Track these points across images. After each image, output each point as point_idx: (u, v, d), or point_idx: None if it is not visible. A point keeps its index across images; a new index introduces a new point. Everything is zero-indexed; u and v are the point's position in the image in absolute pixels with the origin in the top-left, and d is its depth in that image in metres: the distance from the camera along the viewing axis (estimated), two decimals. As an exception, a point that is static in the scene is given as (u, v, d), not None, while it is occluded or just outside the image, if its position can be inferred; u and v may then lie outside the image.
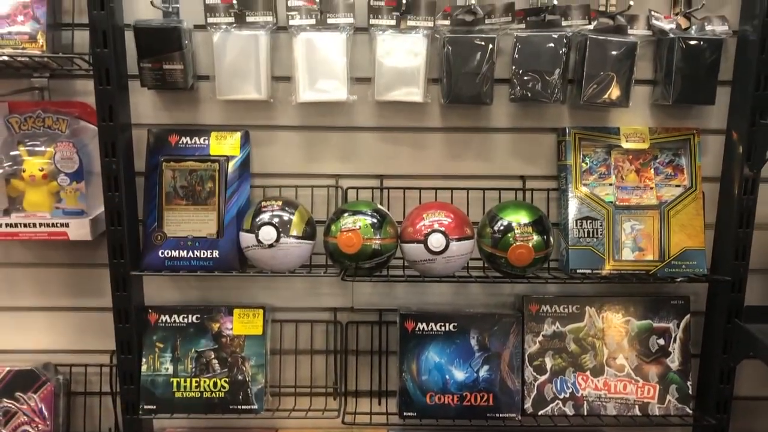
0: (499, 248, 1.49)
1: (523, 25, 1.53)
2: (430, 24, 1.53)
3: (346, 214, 1.52)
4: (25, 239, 1.56)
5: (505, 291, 1.72)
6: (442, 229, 1.48)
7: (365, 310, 1.73)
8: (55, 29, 1.53)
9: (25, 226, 1.55)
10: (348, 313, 1.74)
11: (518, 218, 1.50)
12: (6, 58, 1.46)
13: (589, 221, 1.59)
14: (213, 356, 1.62)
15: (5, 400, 1.64)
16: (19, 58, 1.47)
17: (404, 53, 1.54)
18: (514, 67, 1.53)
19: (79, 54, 1.52)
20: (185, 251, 1.56)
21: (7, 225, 1.54)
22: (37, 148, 1.57)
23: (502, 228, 1.49)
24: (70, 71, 1.59)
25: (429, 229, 1.48)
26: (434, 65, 1.58)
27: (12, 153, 1.57)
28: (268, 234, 1.49)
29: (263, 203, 1.54)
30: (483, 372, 1.62)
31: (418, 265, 1.52)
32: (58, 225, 1.56)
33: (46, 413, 1.65)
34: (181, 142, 1.61)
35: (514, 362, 1.63)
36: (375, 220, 1.50)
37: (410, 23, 1.53)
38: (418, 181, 1.66)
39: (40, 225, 1.55)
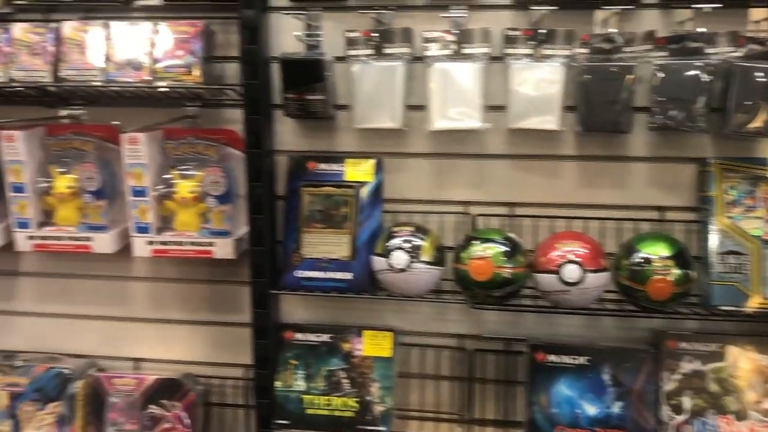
0: (637, 281, 1.44)
1: (664, 53, 1.49)
2: (567, 52, 1.52)
3: (476, 242, 1.52)
4: (174, 256, 1.69)
5: (639, 325, 1.66)
6: (577, 259, 1.45)
7: (492, 338, 1.72)
8: (208, 62, 1.64)
9: (175, 244, 1.67)
10: (475, 341, 1.73)
11: (658, 250, 1.45)
12: (166, 89, 1.59)
13: (734, 255, 1.52)
14: (343, 375, 1.67)
15: (152, 406, 1.76)
16: (177, 89, 1.59)
17: (540, 81, 1.53)
18: (654, 96, 1.49)
19: (230, 85, 1.63)
20: (320, 272, 1.62)
21: (160, 243, 1.67)
22: (188, 172, 1.69)
23: (640, 260, 1.45)
24: (220, 101, 1.70)
25: (563, 260, 1.46)
26: (570, 93, 1.56)
27: (165, 176, 1.69)
28: (399, 258, 1.52)
29: (395, 228, 1.58)
30: (616, 408, 1.57)
31: (550, 295, 1.50)
32: (205, 244, 1.66)
33: (187, 421, 1.75)
34: (318, 168, 1.68)
35: (649, 400, 1.56)
36: (506, 249, 1.50)
37: (547, 52, 1.53)
38: (550, 209, 1.64)
39: (189, 243, 1.67)
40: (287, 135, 1.71)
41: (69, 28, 1.64)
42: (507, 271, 1.48)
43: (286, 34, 1.64)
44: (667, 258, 1.44)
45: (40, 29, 1.65)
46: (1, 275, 1.90)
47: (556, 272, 1.46)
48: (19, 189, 1.69)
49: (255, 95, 1.56)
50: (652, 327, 1.65)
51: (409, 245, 1.53)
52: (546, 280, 1.48)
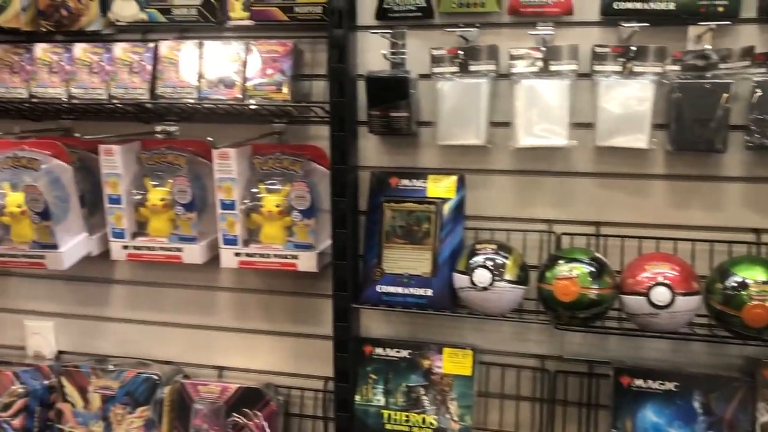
0: (732, 306, 1.39)
1: (763, 70, 1.44)
2: (659, 69, 1.48)
3: (561, 261, 1.50)
4: (259, 268, 1.73)
5: (732, 352, 1.59)
6: (667, 282, 1.41)
7: (575, 360, 1.68)
8: (297, 80, 1.69)
9: (261, 256, 1.72)
10: (556, 362, 1.70)
11: (755, 275, 1.39)
12: (256, 106, 1.64)
13: (839, 282, 1.44)
14: (423, 392, 1.67)
15: (235, 414, 1.81)
16: (266, 107, 1.64)
17: (629, 99, 1.50)
18: (752, 114, 1.43)
19: (317, 102, 1.67)
20: (401, 288, 1.63)
21: (246, 255, 1.72)
22: (274, 187, 1.73)
23: (735, 285, 1.39)
24: (306, 118, 1.74)
25: (652, 282, 1.42)
26: (660, 111, 1.52)
27: (253, 190, 1.74)
28: (482, 276, 1.51)
29: (478, 246, 1.57)
30: (707, 438, 1.51)
31: (638, 318, 1.46)
32: (289, 257, 1.70)
33: (268, 431, 1.79)
34: (401, 184, 1.69)
35: (743, 431, 1.49)
36: (592, 269, 1.47)
37: (637, 69, 1.49)
38: (638, 229, 1.60)
39: (274, 256, 1.71)
40: (370, 151, 1.74)
41: (165, 47, 1.72)
42: (593, 292, 1.45)
43: (372, 52, 1.67)
44: (765, 283, 1.37)
45: (138, 49, 1.73)
46: (96, 282, 2.00)
47: (645, 294, 1.42)
48: (115, 200, 1.77)
49: (341, 112, 1.59)
50: (746, 354, 1.58)
51: (492, 263, 1.52)
52: (634, 302, 1.44)
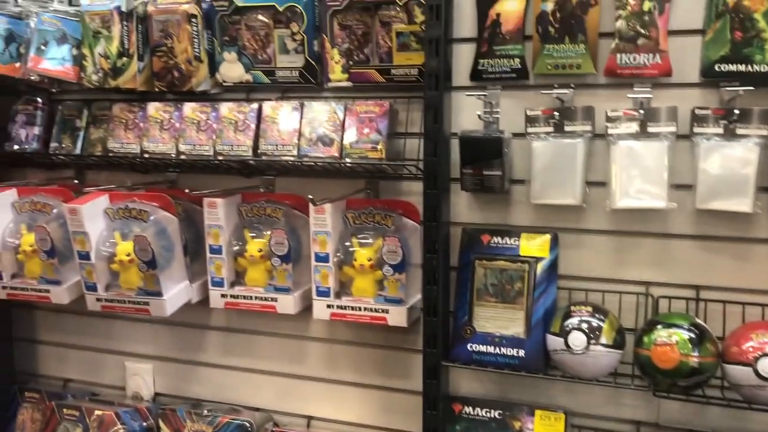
0: None
1: None
2: (764, 132, 1.45)
3: (660, 326, 1.46)
4: (350, 320, 1.76)
5: None
6: (777, 353, 1.35)
7: (672, 429, 1.62)
8: (391, 138, 1.74)
9: (352, 309, 1.75)
10: (652, 429, 1.64)
11: None
12: (353, 164, 1.70)
13: None
14: (513, 455, 1.64)
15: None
16: (363, 165, 1.70)
17: (732, 161, 1.46)
18: None
19: (412, 160, 1.71)
20: (492, 347, 1.62)
21: (338, 307, 1.76)
22: (366, 241, 1.77)
23: None
24: (399, 174, 1.78)
25: (759, 352, 1.36)
26: (765, 174, 1.48)
27: (346, 243, 1.79)
28: (578, 340, 1.49)
29: (573, 308, 1.55)
30: None
31: (743, 389, 1.40)
32: (380, 311, 1.73)
33: (355, 484, 1.80)
34: (492, 241, 1.70)
35: None
36: (693, 335, 1.42)
37: (740, 131, 1.46)
38: (741, 295, 1.54)
39: (364, 309, 1.74)
40: (461, 207, 1.76)
41: (268, 107, 1.81)
42: (694, 359, 1.40)
43: (466, 112, 1.71)
44: None
45: (243, 108, 1.83)
46: (193, 327, 2.08)
47: (751, 365, 1.36)
48: (216, 251, 1.85)
49: (434, 170, 1.62)
50: None
51: (588, 326, 1.50)
52: (739, 372, 1.38)
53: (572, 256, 1.67)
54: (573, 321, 1.52)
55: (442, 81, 1.60)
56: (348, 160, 1.71)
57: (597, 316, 1.52)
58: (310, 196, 1.69)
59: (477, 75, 1.69)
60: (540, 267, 1.65)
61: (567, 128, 1.59)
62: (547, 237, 1.66)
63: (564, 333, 1.51)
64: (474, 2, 1.68)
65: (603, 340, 1.49)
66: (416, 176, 1.72)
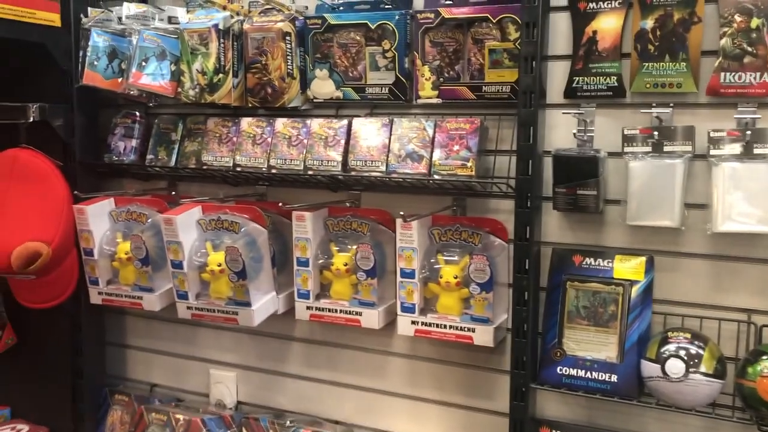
0: None
1: None
2: None
3: (766, 357, 1.39)
4: (434, 338, 1.75)
5: None
6: None
7: (776, 465, 1.54)
8: (481, 155, 1.73)
9: (437, 326, 1.74)
10: (753, 464, 1.56)
11: None
12: (442, 181, 1.69)
13: None
14: (603, 484, 1.59)
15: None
16: (452, 182, 1.69)
17: None
18: None
19: (503, 178, 1.69)
20: (583, 371, 1.58)
21: (423, 323, 1.75)
22: (452, 258, 1.76)
23: None
24: (488, 192, 1.76)
25: None
26: None
27: (431, 260, 1.78)
28: (676, 367, 1.44)
29: (670, 333, 1.50)
30: None
31: None
32: (466, 329, 1.71)
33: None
34: (585, 262, 1.66)
35: None
36: (803, 368, 1.35)
37: None
38: None
39: (450, 327, 1.73)
40: (551, 226, 1.73)
41: (358, 123, 1.83)
42: (804, 394, 1.33)
43: (559, 129, 1.68)
44: None
45: (333, 124, 1.86)
46: (277, 338, 2.11)
47: None
48: (303, 263, 1.88)
49: (527, 189, 1.60)
50: None
51: (686, 353, 1.44)
52: None
53: (668, 280, 1.62)
54: (670, 347, 1.47)
55: (537, 98, 1.58)
56: (437, 176, 1.70)
57: (696, 343, 1.46)
58: (402, 213, 1.69)
59: (571, 92, 1.66)
60: (635, 290, 1.60)
61: (666, 148, 1.54)
62: (642, 259, 1.61)
63: (661, 359, 1.46)
64: (569, 19, 1.66)
65: (703, 368, 1.43)
66: (506, 194, 1.70)
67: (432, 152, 1.73)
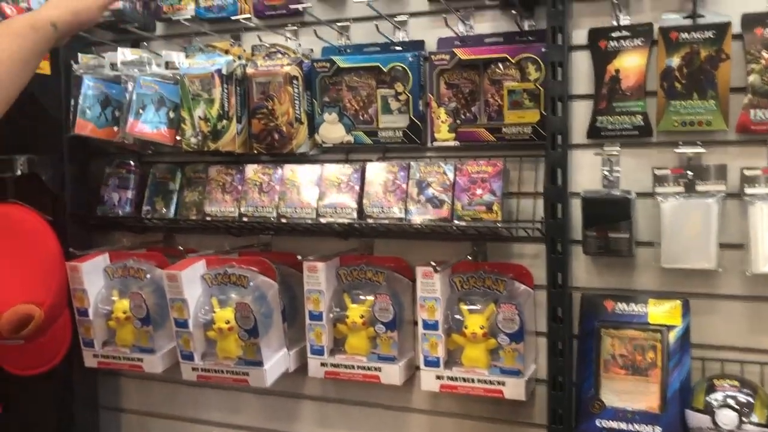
0: None
1: None
2: None
3: (818, 403, 1.34)
4: (462, 393, 1.66)
5: None
6: None
7: None
8: (504, 199, 1.66)
9: (464, 380, 1.65)
10: None
11: None
12: (465, 227, 1.62)
13: None
14: None
15: None
16: (476, 228, 1.62)
17: None
18: None
19: (528, 221, 1.63)
20: (624, 423, 1.50)
21: (448, 378, 1.66)
22: (476, 307, 1.68)
23: None
24: (513, 236, 1.70)
25: None
26: None
27: (454, 309, 1.70)
28: (728, 418, 1.37)
29: (716, 381, 1.44)
30: None
31: None
32: (495, 383, 1.62)
33: None
34: (617, 308, 1.59)
35: None
36: None
37: None
38: None
39: (478, 381, 1.64)
40: (579, 270, 1.66)
41: (372, 168, 1.76)
42: None
43: (582, 170, 1.63)
44: None
45: (346, 169, 1.78)
46: (287, 397, 1.99)
47: None
48: (316, 317, 1.78)
49: (557, 233, 1.54)
50: None
51: (737, 402, 1.38)
52: None
53: (705, 323, 1.56)
54: (718, 396, 1.40)
55: (565, 140, 1.53)
56: (461, 222, 1.63)
57: (745, 391, 1.40)
58: (433, 263, 1.61)
59: (595, 132, 1.61)
60: (672, 335, 1.53)
61: (699, 188, 1.50)
62: (678, 303, 1.55)
63: (710, 410, 1.39)
64: (589, 58, 1.62)
65: (755, 418, 1.37)
66: (533, 238, 1.64)
67: (453, 197, 1.66)
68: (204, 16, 1.93)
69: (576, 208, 1.59)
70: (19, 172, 1.90)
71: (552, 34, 1.52)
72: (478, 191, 1.64)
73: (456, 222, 1.64)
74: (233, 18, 1.86)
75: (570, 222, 1.59)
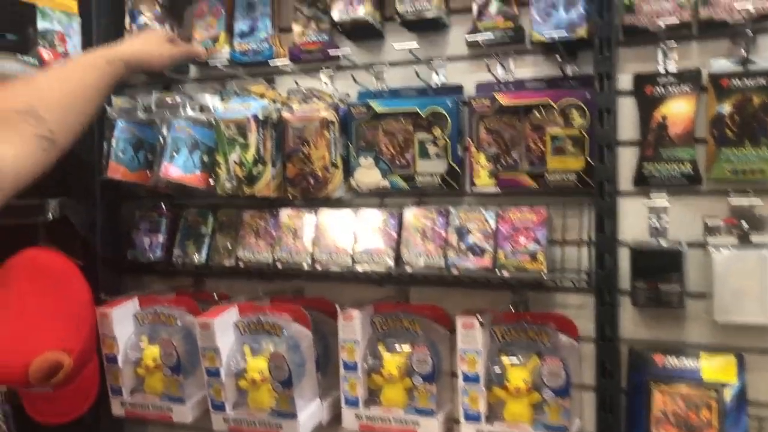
0: None
1: None
2: None
3: None
4: (504, 449, 1.59)
5: None
6: None
7: None
8: (548, 247, 1.61)
9: (506, 436, 1.59)
10: None
11: None
12: (508, 276, 1.57)
13: None
14: None
15: None
16: (520, 278, 1.57)
17: None
18: None
19: (574, 270, 1.58)
20: (680, 486, 1.43)
21: (490, 433, 1.60)
22: (519, 359, 1.62)
23: None
24: (557, 286, 1.64)
25: None
26: None
27: (494, 360, 1.64)
28: (793, 483, 1.29)
29: (778, 443, 1.37)
30: None
31: None
32: (540, 440, 1.56)
33: None
34: (668, 362, 1.53)
35: None
36: None
37: None
38: None
39: (522, 437, 1.57)
40: (626, 322, 1.60)
41: (410, 214, 1.72)
42: None
43: (628, 218, 1.58)
44: None
45: (383, 215, 1.74)
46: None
47: None
48: (351, 368, 1.72)
49: (606, 284, 1.48)
50: None
51: (803, 467, 1.31)
52: None
53: (761, 380, 1.49)
54: (782, 460, 1.33)
55: (613, 188, 1.48)
56: (505, 272, 1.58)
57: (811, 454, 1.33)
58: (477, 315, 1.56)
59: (641, 180, 1.57)
60: (728, 393, 1.47)
61: (754, 239, 1.45)
62: (732, 359, 1.49)
63: (774, 474, 1.32)
64: (635, 104, 1.58)
65: (822, 484, 1.29)
66: (579, 289, 1.59)
67: (496, 245, 1.62)
68: (239, 60, 1.91)
69: (623, 257, 1.54)
70: (50, 216, 1.87)
71: (599, 81, 1.48)
72: (522, 240, 1.60)
73: (499, 272, 1.59)
74: (270, 63, 1.85)
75: (617, 271, 1.54)
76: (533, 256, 1.57)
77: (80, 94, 1.32)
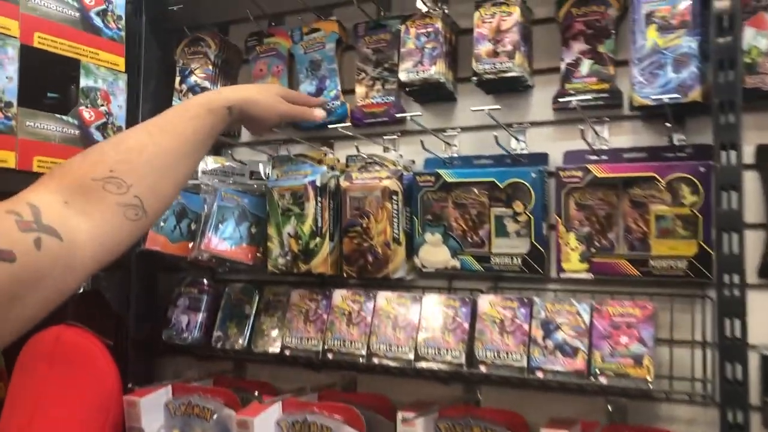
0: None
1: None
2: None
3: None
4: None
5: None
6: None
7: None
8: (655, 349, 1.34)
9: None
10: None
11: None
12: (605, 383, 1.30)
13: None
14: None
15: None
16: (623, 387, 1.29)
17: None
18: None
19: (691, 380, 1.30)
20: None
21: None
22: (617, 485, 1.33)
23: None
24: (670, 398, 1.36)
25: None
26: None
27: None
28: None
29: None
30: None
31: None
32: None
33: None
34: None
35: None
36: None
37: None
38: None
39: None
40: None
41: (486, 302, 1.47)
42: None
43: (752, 315, 1.30)
44: None
45: (453, 302, 1.50)
46: None
47: None
48: (412, 482, 1.45)
49: (735, 399, 1.19)
50: None
51: None
52: None
53: None
54: None
55: (743, 282, 1.21)
56: (603, 378, 1.31)
57: None
58: (572, 435, 1.29)
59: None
60: None
61: None
62: None
63: None
64: (759, 179, 1.33)
65: None
66: (695, 402, 1.30)
67: (591, 344, 1.35)
68: (307, 126, 1.73)
69: (752, 365, 1.25)
70: (81, 290, 1.69)
71: (719, 151, 1.24)
72: (623, 339, 1.32)
73: (595, 378, 1.32)
74: (330, 126, 1.66)
75: (747, 382, 1.25)
76: (638, 360, 1.30)
77: (174, 151, 1.10)
